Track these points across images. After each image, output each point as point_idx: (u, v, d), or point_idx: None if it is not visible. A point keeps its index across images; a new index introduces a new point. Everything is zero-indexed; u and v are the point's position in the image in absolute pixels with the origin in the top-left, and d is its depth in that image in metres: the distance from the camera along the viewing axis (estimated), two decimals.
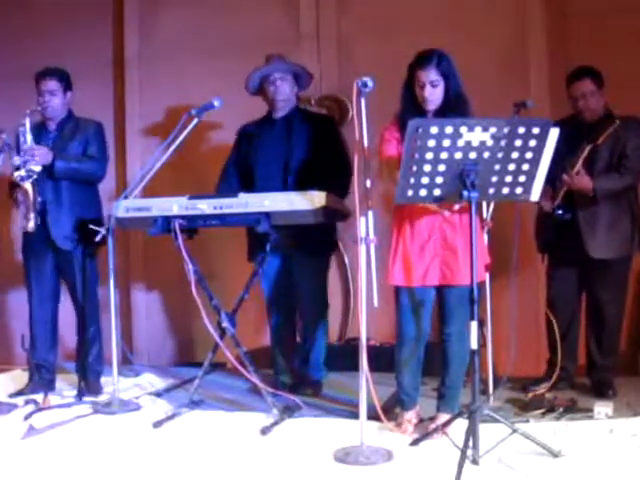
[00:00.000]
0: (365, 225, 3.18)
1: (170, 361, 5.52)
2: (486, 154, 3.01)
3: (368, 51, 4.88)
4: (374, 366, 3.29)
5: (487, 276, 3.73)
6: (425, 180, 3.05)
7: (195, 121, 3.98)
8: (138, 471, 3.12)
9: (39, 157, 4.24)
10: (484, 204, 3.75)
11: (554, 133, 3.01)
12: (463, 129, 2.95)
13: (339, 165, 4.10)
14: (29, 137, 4.27)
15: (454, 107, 3.35)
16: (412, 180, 3.05)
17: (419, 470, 3.00)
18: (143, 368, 4.94)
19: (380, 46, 4.83)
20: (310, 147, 4.20)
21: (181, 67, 5.34)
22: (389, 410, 3.60)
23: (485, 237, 3.74)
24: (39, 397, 4.21)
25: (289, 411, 3.84)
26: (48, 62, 4.50)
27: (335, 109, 4.95)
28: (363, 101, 3.19)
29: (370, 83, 3.18)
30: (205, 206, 3.80)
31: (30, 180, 4.23)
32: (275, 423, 3.68)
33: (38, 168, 4.23)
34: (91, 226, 4.08)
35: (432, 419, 3.52)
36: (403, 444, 3.31)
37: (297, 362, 4.46)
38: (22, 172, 4.21)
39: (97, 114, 4.72)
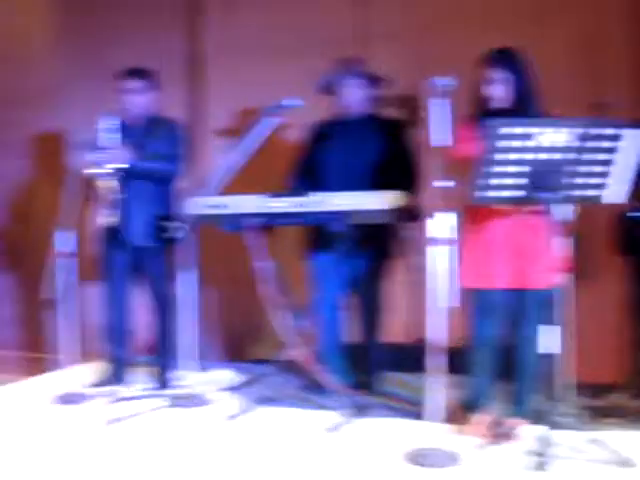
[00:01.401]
0: (438, 226, 3.16)
1: (243, 357, 5.56)
2: (559, 155, 2.97)
3: (441, 49, 4.83)
4: (445, 368, 3.27)
5: (565, 279, 3.66)
6: (498, 181, 3.03)
7: (271, 120, 4.00)
8: (210, 465, 3.17)
9: (118, 155, 4.34)
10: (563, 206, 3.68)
11: (636, 135, 2.94)
12: (536, 130, 2.92)
13: (409, 166, 4.08)
14: (109, 135, 4.36)
15: (523, 106, 3.31)
16: (488, 181, 3.03)
17: (487, 474, 2.97)
18: (216, 364, 5.00)
19: (453, 43, 4.77)
20: (381, 149, 4.19)
21: (256, 67, 5.37)
22: (459, 413, 3.57)
23: (563, 240, 3.67)
24: (115, 389, 4.31)
25: (359, 410, 3.85)
26: (127, 61, 4.59)
27: (408, 109, 4.93)
28: (437, 100, 3.17)
29: (444, 82, 3.16)
30: (280, 204, 3.83)
31: (108, 178, 4.33)
32: (345, 422, 3.69)
33: (116, 165, 4.33)
34: (168, 223, 4.15)
35: (503, 423, 3.49)
36: (472, 447, 3.29)
37: (358, 362, 4.45)
38: (101, 170, 4.31)
39: (173, 113, 4.78)
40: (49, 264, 4.22)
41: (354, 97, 4.24)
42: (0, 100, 6.31)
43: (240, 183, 4.52)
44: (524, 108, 3.30)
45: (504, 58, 3.36)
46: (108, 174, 4.32)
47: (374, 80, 4.32)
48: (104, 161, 4.31)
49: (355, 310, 4.40)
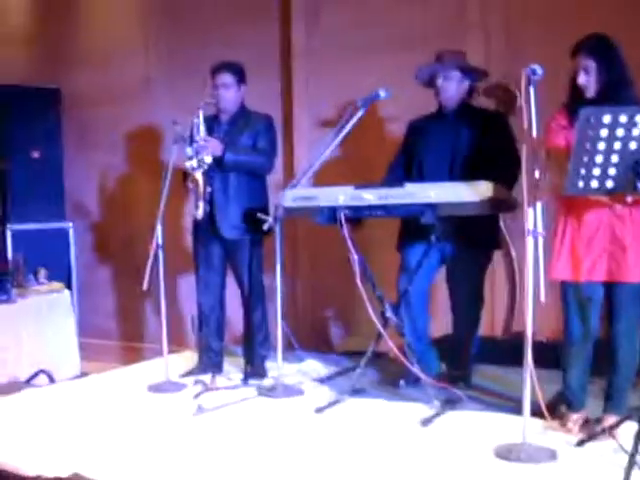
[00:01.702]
0: (533, 217, 3.09)
1: (333, 349, 5.58)
2: None
3: (535, 38, 4.71)
4: (539, 362, 3.19)
5: None
6: (597, 171, 2.94)
7: (361, 112, 3.98)
8: (299, 455, 3.18)
9: (211, 148, 4.39)
10: None
11: None
12: (638, 118, 2.81)
13: (507, 157, 3.98)
14: (202, 128, 4.41)
15: (612, 94, 3.21)
16: (583, 171, 2.94)
17: (583, 472, 2.90)
18: (307, 355, 5.02)
19: (547, 32, 4.65)
20: (479, 142, 4.10)
21: (347, 60, 5.35)
22: (554, 408, 3.47)
23: None
24: (207, 378, 4.38)
25: (451, 403, 3.81)
26: (218, 55, 4.65)
27: (503, 98, 4.83)
28: (532, 89, 3.09)
29: (539, 71, 3.08)
30: (371, 196, 3.80)
31: (201, 170, 4.39)
32: (436, 415, 3.66)
33: (209, 159, 4.39)
34: (259, 215, 4.18)
35: (599, 420, 3.39)
36: (567, 444, 3.20)
37: (452, 355, 4.41)
38: (194, 162, 4.38)
39: (265, 107, 4.82)
40: (148, 256, 4.30)
41: (447, 90, 4.16)
42: (99, 98, 6.49)
43: (338, 175, 4.54)
44: (613, 96, 3.19)
45: (589, 45, 3.27)
46: (202, 166, 4.38)
47: (473, 72, 4.24)
48: (198, 152, 4.37)
49: (451, 303, 4.36)
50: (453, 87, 4.17)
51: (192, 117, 4.43)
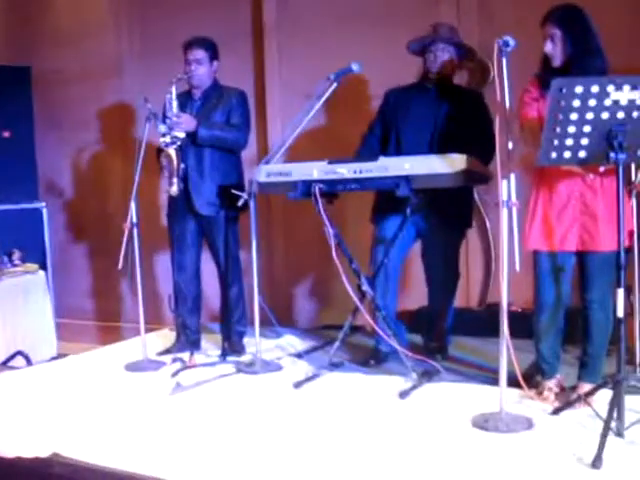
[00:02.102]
0: (507, 188, 3.10)
1: (310, 323, 5.60)
2: (635, 114, 2.86)
3: (508, 10, 4.72)
4: (515, 332, 3.20)
5: (635, 243, 3.58)
6: (569, 142, 2.95)
7: (334, 86, 3.97)
8: (279, 430, 3.19)
9: (184, 124, 4.36)
10: (632, 167, 3.58)
11: None
12: (610, 88, 2.82)
13: (484, 134, 3.98)
14: (175, 104, 4.38)
15: (578, 63, 3.22)
16: (556, 142, 2.95)
17: (560, 440, 2.93)
18: (284, 330, 5.03)
19: (519, 4, 4.66)
20: (458, 118, 4.09)
21: (319, 34, 5.34)
22: (530, 378, 3.51)
23: (633, 202, 3.57)
24: (185, 356, 4.38)
25: (428, 375, 3.84)
26: (190, 32, 4.61)
27: (476, 70, 4.83)
28: (504, 61, 3.09)
29: (511, 42, 3.07)
30: (345, 170, 3.80)
31: (174, 146, 4.37)
32: (414, 387, 3.68)
33: (182, 135, 4.36)
34: (233, 191, 4.17)
35: (574, 388, 3.44)
36: (544, 413, 3.24)
37: (428, 327, 4.44)
38: (167, 138, 4.35)
39: (237, 82, 4.78)
40: (123, 235, 4.27)
41: (445, 61, 4.14)
42: (71, 76, 6.43)
43: (311, 151, 4.52)
44: (580, 66, 3.21)
45: (556, 15, 3.29)
46: (175, 142, 4.35)
47: (463, 49, 4.22)
48: (172, 129, 4.35)
49: (426, 276, 4.37)
50: (446, 59, 4.15)
51: (166, 93, 4.40)
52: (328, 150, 4.50)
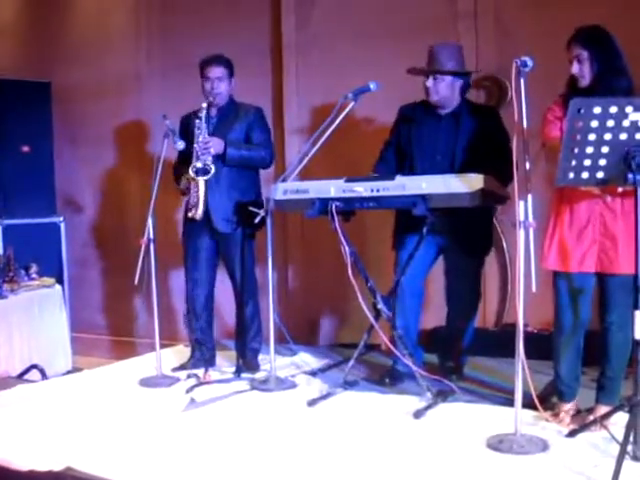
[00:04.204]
0: (524, 208, 3.09)
1: (325, 341, 5.59)
2: None
3: (527, 29, 4.70)
4: (531, 353, 3.19)
5: None
6: (587, 162, 2.94)
7: (351, 105, 3.98)
8: (292, 448, 3.19)
9: (213, 148, 4.38)
10: None
11: None
12: (629, 109, 2.82)
13: (503, 154, 3.96)
14: (204, 128, 4.40)
15: (604, 84, 3.22)
16: (574, 162, 2.95)
17: (575, 462, 2.90)
18: (299, 347, 5.03)
19: (539, 23, 4.64)
20: (476, 138, 4.07)
21: (337, 52, 5.35)
22: (545, 399, 3.49)
23: None
24: (200, 372, 4.38)
25: (443, 395, 3.82)
26: (209, 50, 4.63)
27: (493, 90, 4.83)
28: (522, 81, 3.09)
29: (530, 62, 3.08)
30: (362, 188, 3.79)
31: (207, 176, 4.38)
32: (428, 407, 3.66)
33: (210, 160, 4.38)
34: (250, 208, 4.18)
35: (590, 411, 3.40)
36: (559, 435, 3.22)
37: (445, 347, 4.42)
38: (199, 164, 4.36)
39: (255, 100, 4.82)
40: (140, 250, 4.29)
41: (437, 92, 4.09)
42: (90, 92, 6.48)
43: (326, 168, 4.53)
44: (606, 86, 3.20)
45: (582, 36, 3.29)
46: (208, 171, 4.35)
47: (466, 73, 4.18)
48: (202, 155, 4.36)
49: (447, 295, 4.36)
50: (442, 88, 4.10)
51: (182, 111, 4.41)
52: (345, 169, 4.51)
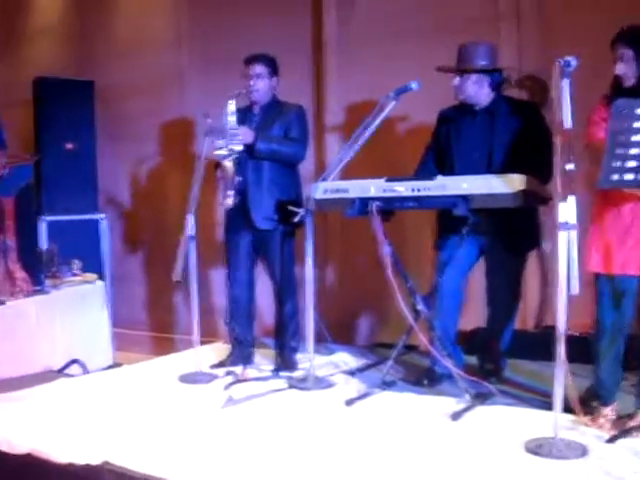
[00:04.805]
0: (566, 210, 3.05)
1: (364, 341, 5.57)
2: None
3: (570, 27, 4.65)
4: (571, 356, 3.14)
5: None
6: (631, 164, 2.89)
7: (392, 104, 3.96)
8: (328, 446, 3.18)
9: (242, 136, 4.39)
10: None
11: None
12: None
13: (543, 151, 3.92)
14: (233, 118, 4.41)
15: None
16: (617, 164, 2.90)
17: (615, 468, 2.85)
18: (338, 347, 5.02)
19: (583, 21, 4.58)
20: (514, 136, 4.04)
21: (379, 50, 5.34)
22: (585, 404, 3.44)
23: None
24: (238, 369, 4.40)
25: (481, 398, 3.78)
26: (250, 48, 4.65)
27: (536, 90, 4.77)
28: (565, 81, 3.05)
29: (573, 62, 3.03)
30: (402, 188, 3.78)
31: (231, 158, 4.39)
32: (466, 409, 3.63)
33: (240, 147, 4.39)
34: (290, 207, 4.18)
35: (631, 416, 3.35)
36: (599, 440, 3.16)
37: (484, 349, 4.38)
38: (224, 151, 4.38)
39: (296, 98, 4.81)
40: (179, 247, 4.32)
41: (464, 91, 4.08)
42: (132, 90, 6.53)
43: (366, 168, 4.52)
44: None
45: (627, 35, 3.24)
46: (232, 154, 4.38)
47: (491, 70, 4.12)
48: (230, 141, 4.38)
49: (487, 296, 4.32)
50: (469, 86, 4.08)
51: (225, 108, 4.43)
52: (385, 168, 4.50)
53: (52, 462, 3.09)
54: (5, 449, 3.26)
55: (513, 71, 4.37)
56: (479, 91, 4.10)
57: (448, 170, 4.15)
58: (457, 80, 4.08)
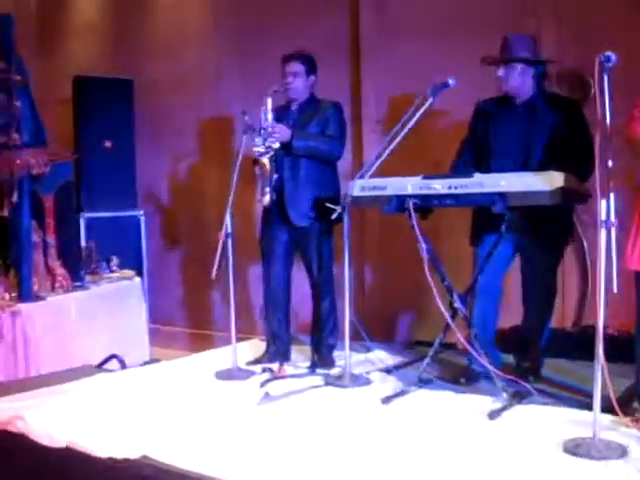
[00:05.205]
0: (606, 207, 3.01)
1: (400, 339, 5.56)
2: None
3: (611, 22, 4.59)
4: (610, 356, 3.10)
5: None
6: None
7: (430, 101, 3.95)
8: (365, 444, 3.18)
9: (278, 134, 4.41)
10: None
11: None
12: None
13: (582, 147, 3.88)
14: (270, 115, 4.43)
15: None
16: None
17: None
18: (374, 344, 5.01)
19: (625, 16, 4.53)
20: (553, 132, 3.99)
21: (416, 47, 5.32)
22: (625, 404, 3.39)
23: None
24: (275, 366, 4.41)
25: (519, 397, 3.75)
26: (288, 45, 4.66)
27: (576, 85, 4.72)
28: (606, 77, 3.02)
29: (613, 58, 2.99)
30: (439, 186, 3.76)
31: (268, 155, 4.41)
32: (504, 408, 3.61)
33: (277, 145, 4.40)
34: (328, 204, 4.18)
35: None
36: (639, 441, 3.13)
37: (522, 347, 4.34)
38: (261, 148, 4.40)
39: (334, 95, 4.82)
40: (217, 245, 4.34)
41: (508, 82, 4.04)
42: (171, 87, 6.58)
43: (402, 164, 4.50)
44: None
45: None
46: (269, 151, 4.39)
47: (538, 62, 4.10)
48: (266, 139, 4.39)
49: (523, 294, 4.29)
50: (512, 77, 4.04)
51: (263, 105, 4.45)
52: (423, 166, 4.48)
53: (92, 456, 3.12)
54: (46, 443, 3.30)
55: (553, 66, 4.32)
56: (523, 82, 4.07)
57: (485, 164, 4.12)
58: (502, 71, 4.03)
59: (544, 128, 4.02)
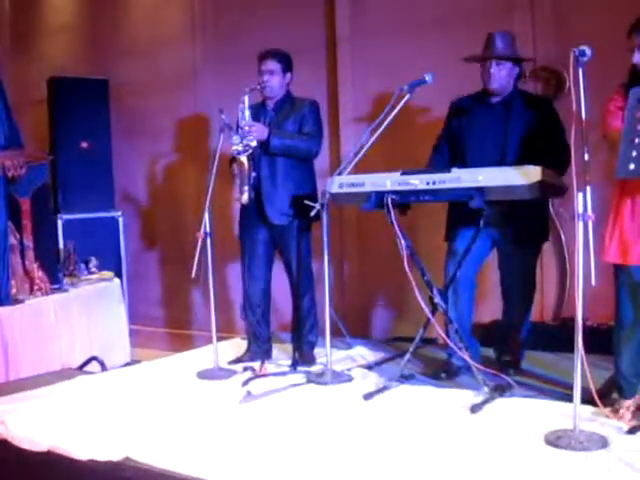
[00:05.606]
0: (583, 201, 3.03)
1: (381, 335, 5.57)
2: None
3: (585, 17, 4.62)
4: (590, 348, 3.13)
5: None
6: None
7: (406, 97, 3.95)
8: (347, 441, 3.18)
9: (256, 132, 4.41)
10: None
11: None
12: None
13: (557, 145, 3.91)
14: (247, 113, 4.44)
15: None
16: (634, 153, 2.89)
17: (636, 460, 2.84)
18: (355, 341, 5.03)
19: (598, 12, 4.56)
20: (528, 129, 4.03)
21: (393, 44, 5.33)
22: (605, 395, 3.42)
23: None
24: (256, 365, 4.40)
25: (500, 390, 3.77)
26: (264, 44, 4.66)
27: (551, 80, 4.75)
28: (581, 71, 3.03)
29: (588, 52, 3.01)
30: (418, 181, 3.76)
31: (246, 154, 4.41)
32: (485, 401, 3.62)
33: (254, 143, 4.40)
34: (306, 202, 4.18)
35: None
36: (619, 432, 3.15)
37: (502, 341, 4.37)
38: (239, 146, 4.40)
39: (311, 93, 4.83)
40: (197, 244, 4.32)
41: (496, 80, 4.04)
42: (147, 87, 6.56)
43: (380, 161, 4.52)
44: None
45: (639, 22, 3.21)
46: (247, 150, 4.39)
47: (518, 61, 4.12)
48: (244, 137, 4.39)
49: (502, 288, 4.31)
50: (502, 76, 4.05)
51: (239, 104, 4.45)
52: (400, 161, 4.49)
53: (73, 459, 3.10)
54: (26, 447, 3.28)
55: (528, 63, 4.34)
56: (509, 81, 4.10)
57: (460, 161, 4.14)
58: (494, 67, 4.04)
59: (519, 125, 4.05)
